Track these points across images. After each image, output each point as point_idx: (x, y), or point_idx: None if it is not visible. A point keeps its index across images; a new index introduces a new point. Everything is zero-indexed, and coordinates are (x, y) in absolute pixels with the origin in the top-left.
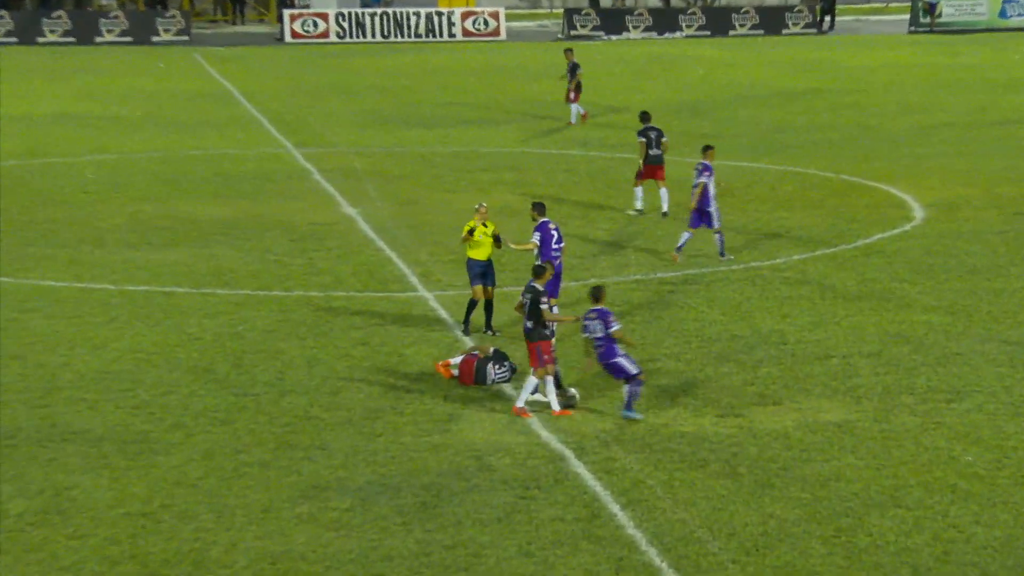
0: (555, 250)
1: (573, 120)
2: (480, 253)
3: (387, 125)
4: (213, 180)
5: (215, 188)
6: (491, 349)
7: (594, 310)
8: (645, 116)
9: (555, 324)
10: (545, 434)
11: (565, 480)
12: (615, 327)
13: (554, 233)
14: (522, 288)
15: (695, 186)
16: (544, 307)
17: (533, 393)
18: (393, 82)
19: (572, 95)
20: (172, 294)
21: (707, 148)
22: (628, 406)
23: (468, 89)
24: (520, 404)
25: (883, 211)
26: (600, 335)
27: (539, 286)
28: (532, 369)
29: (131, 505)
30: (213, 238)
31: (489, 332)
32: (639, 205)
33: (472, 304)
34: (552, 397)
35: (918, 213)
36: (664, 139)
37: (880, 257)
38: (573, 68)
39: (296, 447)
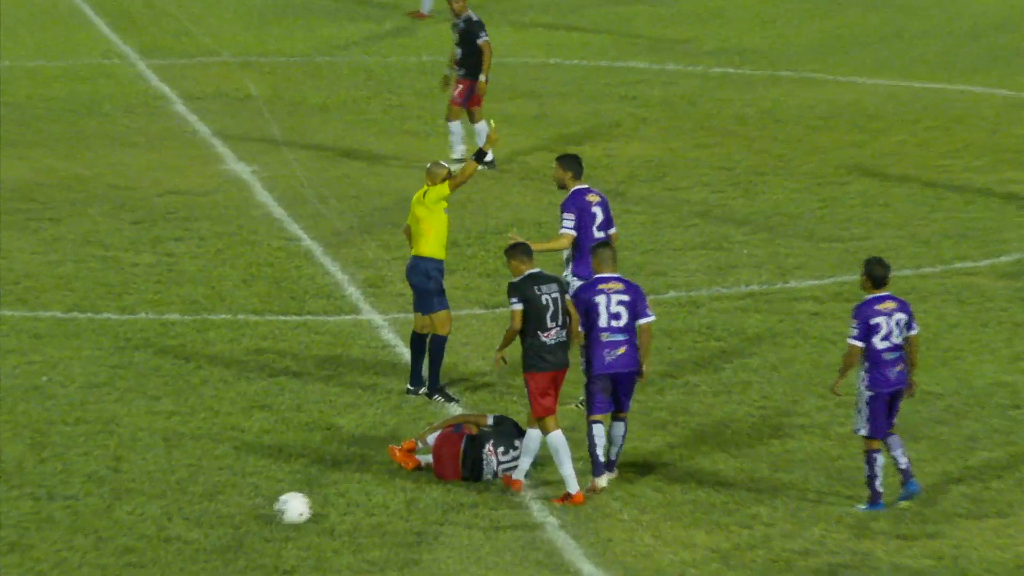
0: (599, 239)
1: (425, 9)
2: (438, 246)
3: (302, 17)
4: None
5: (2, 130)
6: (489, 418)
7: (888, 297)
8: None
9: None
10: (588, 568)
11: None
12: (916, 328)
13: (597, 211)
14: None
15: None
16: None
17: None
18: None
19: None
20: None
21: None
22: (910, 477)
23: None
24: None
25: None
26: (899, 340)
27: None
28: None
29: None
30: None
31: (436, 396)
32: (460, 150)
33: (440, 345)
34: (526, 461)
35: None
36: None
37: None
38: None
39: None
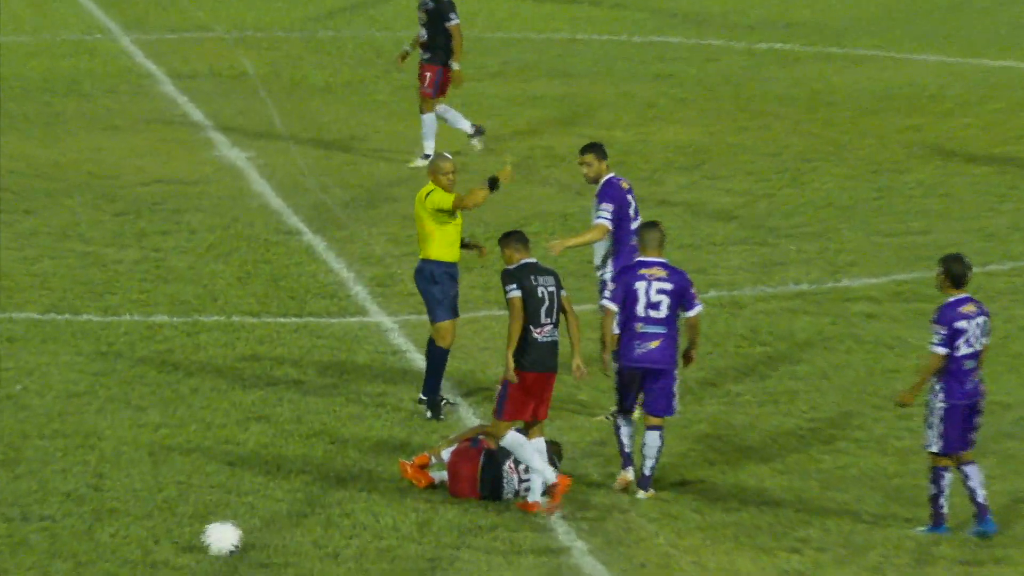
0: (635, 232)
1: None
2: (446, 247)
3: None
4: None
5: None
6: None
7: (969, 299)
8: None
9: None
10: None
11: None
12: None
13: (630, 199)
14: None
15: None
16: (564, 297)
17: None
18: None
19: None
20: None
21: None
22: (986, 514)
23: None
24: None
25: None
26: (979, 347)
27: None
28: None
29: None
30: None
31: (444, 401)
32: (431, 147)
33: (442, 357)
34: (538, 479)
35: None
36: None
37: None
38: None
39: None
